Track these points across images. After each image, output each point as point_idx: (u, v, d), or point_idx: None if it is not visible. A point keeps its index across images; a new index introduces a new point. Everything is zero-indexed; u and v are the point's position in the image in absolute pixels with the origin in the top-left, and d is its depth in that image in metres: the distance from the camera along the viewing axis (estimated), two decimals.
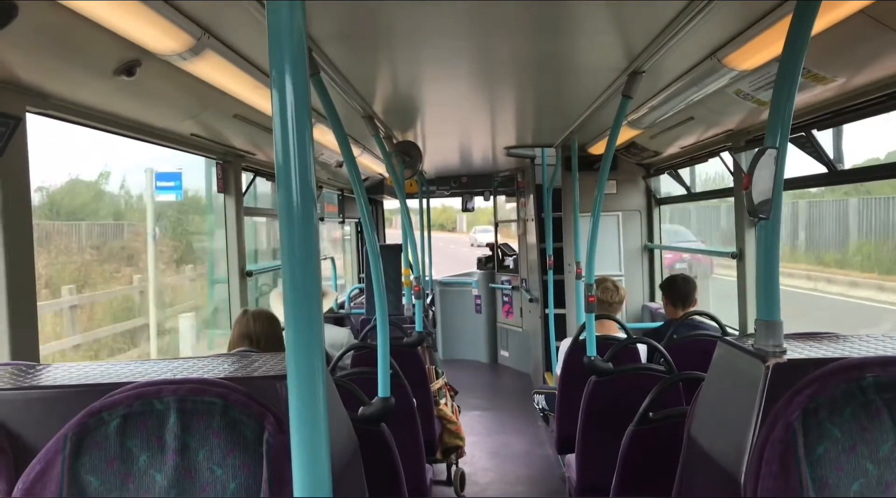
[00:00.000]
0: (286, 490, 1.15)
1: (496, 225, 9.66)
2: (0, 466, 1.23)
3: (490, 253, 9.67)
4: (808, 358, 1.35)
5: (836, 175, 3.21)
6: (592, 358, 3.17)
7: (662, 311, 4.61)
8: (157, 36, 2.09)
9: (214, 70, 2.51)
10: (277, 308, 4.17)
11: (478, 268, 9.82)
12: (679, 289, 4.21)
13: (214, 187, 4.21)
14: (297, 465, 0.85)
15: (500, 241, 9.59)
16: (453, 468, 4.91)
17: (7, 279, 2.15)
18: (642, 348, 3.73)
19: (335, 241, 9.25)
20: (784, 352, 1.38)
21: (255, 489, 1.17)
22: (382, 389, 2.54)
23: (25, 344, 2.22)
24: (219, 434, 1.18)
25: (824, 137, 3.19)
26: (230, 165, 4.12)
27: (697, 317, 4.11)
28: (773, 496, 1.17)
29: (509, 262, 9.40)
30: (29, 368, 1.52)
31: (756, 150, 1.41)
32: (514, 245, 9.39)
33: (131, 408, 1.20)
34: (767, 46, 2.41)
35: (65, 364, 1.56)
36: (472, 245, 31.99)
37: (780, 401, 1.22)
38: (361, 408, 2.44)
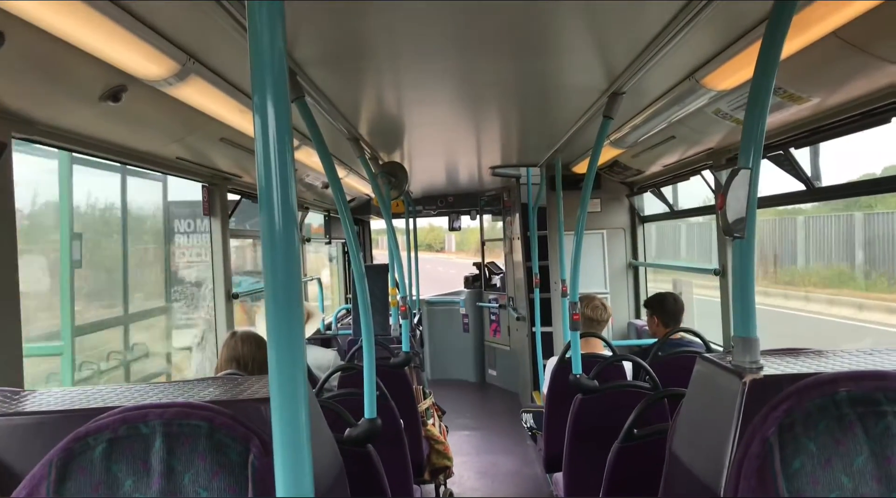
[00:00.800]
0: None
1: (483, 244, 9.70)
2: None
3: (477, 272, 9.70)
4: (784, 373, 1.37)
5: (813, 192, 3.26)
6: (578, 376, 3.19)
7: (648, 328, 4.64)
8: (143, 62, 2.11)
9: (200, 95, 2.54)
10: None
11: (465, 287, 9.84)
12: (670, 308, 4.23)
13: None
14: (280, 486, 0.87)
15: (487, 260, 9.62)
16: (441, 489, 4.89)
17: None
18: (628, 366, 3.76)
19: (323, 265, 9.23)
20: (760, 368, 1.41)
21: None
22: (369, 410, 2.55)
23: (9, 369, 2.21)
24: (204, 457, 1.19)
25: (801, 156, 3.26)
26: (216, 188, 4.13)
27: (685, 335, 4.14)
28: None
29: (496, 280, 9.42)
30: (13, 394, 1.52)
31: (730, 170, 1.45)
32: (501, 263, 9.43)
33: (117, 432, 1.20)
34: (744, 67, 2.46)
35: (50, 390, 1.56)
36: None
37: (757, 416, 1.25)
38: (348, 429, 2.44)
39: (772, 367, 1.43)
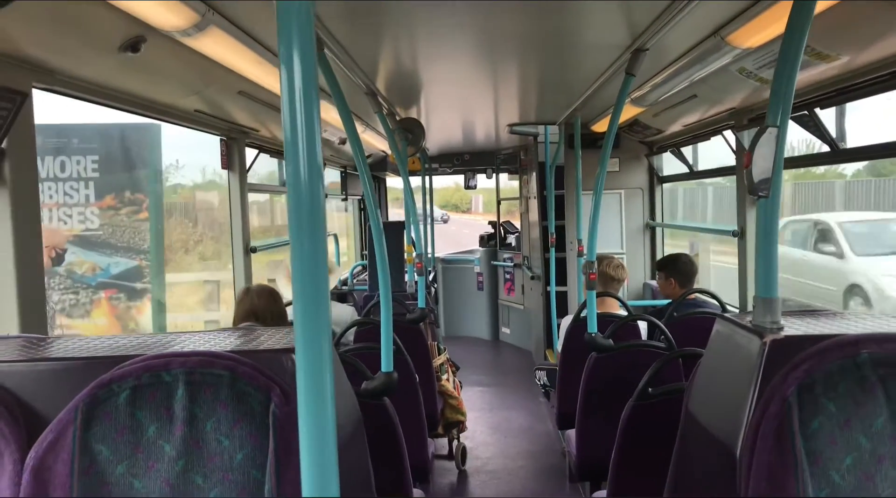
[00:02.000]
0: (292, 460, 1.18)
1: (498, 203, 9.67)
2: (13, 435, 1.26)
3: (492, 230, 9.70)
4: (806, 334, 1.37)
5: (838, 154, 3.21)
6: (593, 334, 3.20)
7: (660, 290, 4.63)
8: (162, 12, 2.10)
9: (219, 46, 2.52)
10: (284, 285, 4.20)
11: (480, 245, 9.85)
12: (684, 268, 4.23)
13: None
14: (304, 436, 0.88)
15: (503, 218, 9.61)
16: (455, 443, 4.97)
17: (16, 254, 2.18)
18: (643, 326, 3.76)
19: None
20: (781, 328, 1.40)
21: (261, 459, 1.20)
22: (385, 363, 2.57)
23: (34, 317, 2.25)
24: (226, 405, 1.21)
25: (827, 116, 3.20)
26: (234, 142, 4.12)
27: (700, 295, 4.15)
28: (767, 469, 1.20)
29: (511, 239, 9.42)
30: (39, 341, 1.54)
31: (757, 128, 1.43)
32: (517, 223, 9.41)
33: (140, 380, 1.22)
34: (771, 24, 2.40)
35: (74, 337, 1.59)
36: None
37: (776, 376, 1.25)
38: (364, 382, 2.47)
39: (792, 327, 1.43)
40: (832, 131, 3.20)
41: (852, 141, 3.20)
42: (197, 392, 1.21)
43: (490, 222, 9.97)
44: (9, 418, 1.26)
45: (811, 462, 1.18)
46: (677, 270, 4.25)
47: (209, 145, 4.19)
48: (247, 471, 1.20)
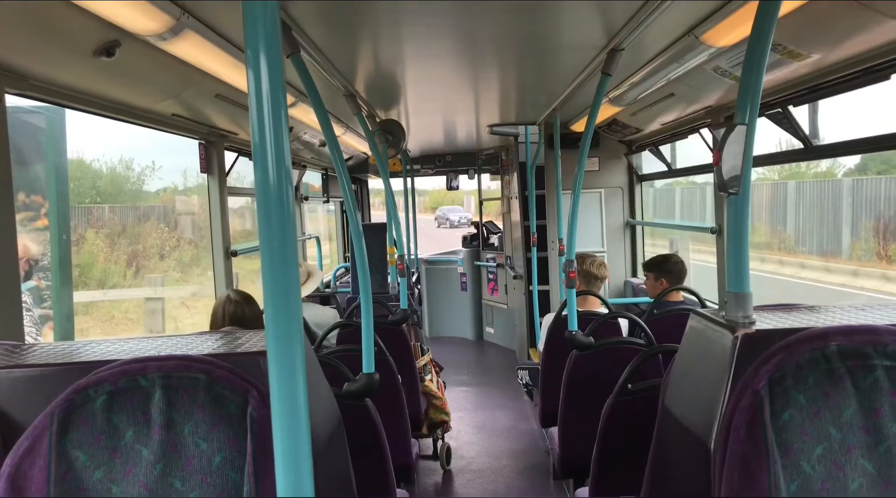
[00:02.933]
0: (271, 462, 1.18)
1: (480, 203, 9.69)
2: None
3: (475, 231, 9.71)
4: (776, 328, 1.39)
5: (811, 151, 3.26)
6: (573, 332, 3.22)
7: (644, 287, 4.66)
8: (136, 16, 2.09)
9: (195, 50, 2.51)
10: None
11: (463, 246, 9.86)
12: (675, 268, 4.26)
13: None
14: (277, 437, 0.88)
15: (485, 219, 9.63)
16: (439, 443, 4.98)
17: None
18: (624, 324, 3.79)
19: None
20: (753, 322, 1.42)
21: (239, 461, 1.20)
22: (367, 365, 2.58)
23: (10, 324, 2.23)
24: (203, 409, 1.21)
25: (800, 113, 3.24)
26: (213, 145, 4.11)
27: (686, 295, 4.18)
28: (740, 461, 1.22)
29: (494, 239, 9.44)
30: (14, 348, 1.53)
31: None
32: (499, 223, 9.43)
33: (117, 384, 1.22)
34: (742, 23, 2.43)
35: (49, 343, 1.58)
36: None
37: (748, 370, 1.27)
38: (346, 384, 2.47)
39: (764, 322, 1.45)
40: (805, 129, 3.25)
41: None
42: (174, 396, 1.21)
43: (472, 223, 9.98)
44: None
45: (783, 453, 1.20)
46: (667, 270, 4.27)
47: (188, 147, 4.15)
48: (225, 474, 1.20)
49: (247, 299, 2.98)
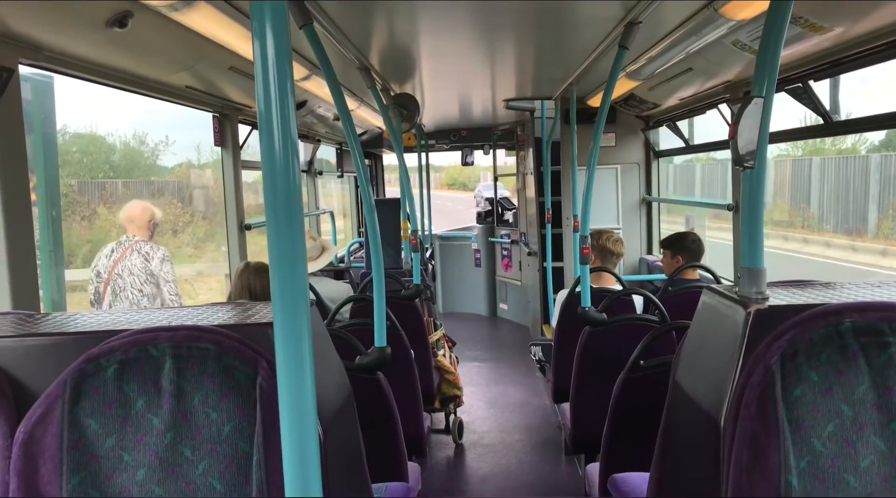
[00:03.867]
0: (280, 432, 1.19)
1: (495, 179, 9.65)
2: (3, 410, 1.27)
3: (490, 207, 9.68)
4: (790, 304, 1.38)
5: (831, 126, 3.20)
6: (587, 308, 3.21)
7: (660, 263, 4.64)
8: None
9: (207, 20, 2.50)
10: None
11: (477, 222, 9.84)
12: (693, 246, 4.23)
13: None
14: (283, 407, 0.89)
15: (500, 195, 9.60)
16: (451, 417, 5.01)
17: (6, 230, 2.18)
18: (638, 301, 3.78)
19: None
20: (766, 298, 1.41)
21: (249, 431, 1.21)
22: (378, 338, 2.58)
23: (26, 294, 2.25)
24: (213, 379, 1.22)
25: (820, 89, 3.18)
26: (227, 119, 4.10)
27: (702, 273, 4.16)
28: (750, 437, 1.21)
29: (508, 216, 9.41)
30: (29, 317, 1.55)
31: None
32: (514, 199, 9.39)
33: (128, 354, 1.23)
34: None
35: (63, 313, 1.59)
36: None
37: (760, 345, 1.25)
38: (358, 357, 2.48)
39: (777, 298, 1.43)
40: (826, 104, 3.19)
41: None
42: (184, 366, 1.22)
43: (487, 199, 9.95)
44: None
45: (793, 430, 1.19)
46: (684, 248, 4.23)
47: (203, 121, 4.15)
48: (234, 443, 1.21)
49: (266, 270, 2.99)
